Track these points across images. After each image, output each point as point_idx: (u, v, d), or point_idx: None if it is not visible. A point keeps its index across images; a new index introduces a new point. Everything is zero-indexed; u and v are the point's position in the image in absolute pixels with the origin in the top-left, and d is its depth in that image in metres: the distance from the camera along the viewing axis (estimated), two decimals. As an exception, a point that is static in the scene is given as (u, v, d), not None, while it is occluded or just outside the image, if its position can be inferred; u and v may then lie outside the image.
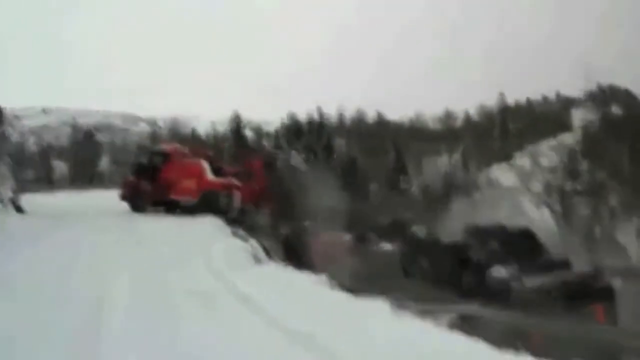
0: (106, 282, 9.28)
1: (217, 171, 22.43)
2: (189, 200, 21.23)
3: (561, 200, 69.01)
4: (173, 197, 21.82)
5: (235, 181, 22.02)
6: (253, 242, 16.16)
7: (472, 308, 8.50)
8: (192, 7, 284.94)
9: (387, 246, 26.39)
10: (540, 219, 66.74)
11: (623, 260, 57.70)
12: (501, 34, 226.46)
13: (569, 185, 70.94)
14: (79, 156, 73.16)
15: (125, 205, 23.01)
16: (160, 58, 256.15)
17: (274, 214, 26.78)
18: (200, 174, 21.72)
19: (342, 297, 9.38)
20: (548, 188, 71.61)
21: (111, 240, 14.36)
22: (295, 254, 20.12)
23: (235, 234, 17.12)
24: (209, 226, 18.25)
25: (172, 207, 21.84)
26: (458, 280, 18.66)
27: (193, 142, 66.64)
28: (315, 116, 54.32)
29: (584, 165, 72.71)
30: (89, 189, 44.06)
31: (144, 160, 23.84)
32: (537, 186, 73.32)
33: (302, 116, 53.95)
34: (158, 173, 21.99)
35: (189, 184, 21.94)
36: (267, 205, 24.98)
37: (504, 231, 18.86)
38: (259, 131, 70.02)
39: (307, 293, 9.14)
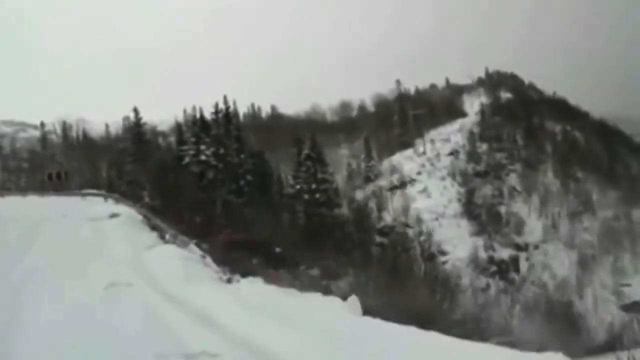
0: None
1: None
2: None
3: (464, 182, 70.90)
4: None
5: None
6: (192, 246, 11.68)
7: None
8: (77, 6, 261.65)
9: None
10: (446, 202, 68.11)
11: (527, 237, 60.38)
12: (393, 25, 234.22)
13: (470, 168, 73.19)
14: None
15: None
16: (45, 61, 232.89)
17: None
18: None
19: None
20: (451, 171, 73.33)
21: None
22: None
23: (162, 238, 12.54)
24: (127, 226, 13.53)
25: None
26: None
27: (85, 146, 61.60)
28: (221, 108, 49.29)
29: (483, 148, 75.56)
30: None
31: None
32: (440, 170, 74.94)
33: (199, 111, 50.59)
34: None
35: None
36: None
37: None
38: (154, 131, 66.25)
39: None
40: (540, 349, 6.31)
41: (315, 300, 6.84)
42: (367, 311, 6.54)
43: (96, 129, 72.51)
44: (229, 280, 9.36)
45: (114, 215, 19.06)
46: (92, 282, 7.81)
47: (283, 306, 6.40)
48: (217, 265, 11.13)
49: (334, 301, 6.86)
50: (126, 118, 51.08)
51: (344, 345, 4.85)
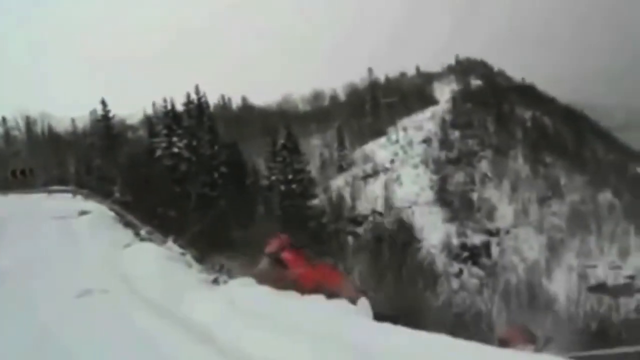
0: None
1: None
2: None
3: (437, 169, 71.53)
4: None
5: None
6: (170, 243, 11.18)
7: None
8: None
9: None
10: (419, 190, 68.60)
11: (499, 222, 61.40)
12: (363, 13, 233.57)
13: (443, 155, 73.83)
14: None
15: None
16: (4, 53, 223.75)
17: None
18: None
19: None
20: (424, 159, 73.87)
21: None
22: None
23: (137, 235, 12.02)
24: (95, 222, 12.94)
25: None
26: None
27: (51, 141, 59.99)
28: (193, 99, 48.23)
29: (455, 135, 76.32)
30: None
31: None
32: (413, 158, 75.36)
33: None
34: None
35: None
36: None
37: None
38: (123, 124, 64.82)
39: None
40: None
41: (318, 302, 6.16)
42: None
43: (62, 124, 70.65)
44: (215, 281, 8.83)
45: (83, 213, 18.18)
46: (63, 289, 7.18)
47: (281, 311, 5.79)
48: (199, 264, 10.71)
49: (340, 304, 6.15)
50: (93, 112, 49.61)
51: (355, 357, 4.22)
